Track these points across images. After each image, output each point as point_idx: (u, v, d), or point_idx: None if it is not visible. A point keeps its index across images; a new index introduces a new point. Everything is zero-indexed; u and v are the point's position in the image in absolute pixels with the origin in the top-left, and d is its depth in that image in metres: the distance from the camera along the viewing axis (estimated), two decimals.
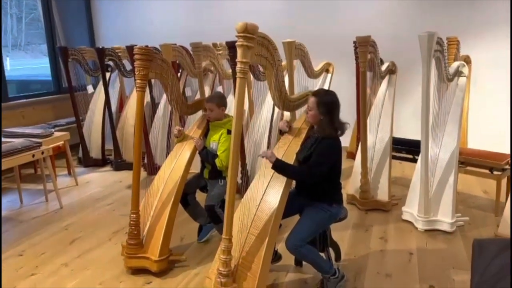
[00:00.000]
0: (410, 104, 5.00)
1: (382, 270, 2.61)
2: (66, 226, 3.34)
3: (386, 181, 3.60)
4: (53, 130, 4.22)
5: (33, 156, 3.46)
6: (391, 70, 3.90)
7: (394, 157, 4.04)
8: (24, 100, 5.09)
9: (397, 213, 3.44)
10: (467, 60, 4.30)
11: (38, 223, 3.42)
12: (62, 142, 4.22)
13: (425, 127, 3.03)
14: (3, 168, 3.18)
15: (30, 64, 8.74)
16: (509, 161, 3.39)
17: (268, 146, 3.93)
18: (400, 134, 4.38)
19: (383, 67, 3.86)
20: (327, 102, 2.27)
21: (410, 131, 4.44)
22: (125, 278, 2.56)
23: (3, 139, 3.92)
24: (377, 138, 3.78)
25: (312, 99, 2.30)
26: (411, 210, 3.27)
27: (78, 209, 3.69)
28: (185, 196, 2.85)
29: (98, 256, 2.85)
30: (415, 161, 3.67)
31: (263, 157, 2.26)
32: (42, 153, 3.53)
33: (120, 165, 4.85)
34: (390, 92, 3.88)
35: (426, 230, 3.12)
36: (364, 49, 3.32)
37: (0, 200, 2.88)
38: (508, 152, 3.52)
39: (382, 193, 3.58)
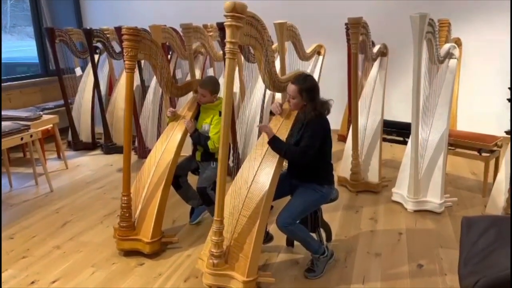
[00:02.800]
0: (401, 87, 5.01)
1: (372, 250, 2.65)
2: (57, 210, 3.33)
3: (376, 163, 3.63)
4: (41, 113, 4.15)
5: (22, 139, 3.42)
6: (383, 53, 3.89)
7: (384, 140, 4.07)
8: (11, 83, 4.99)
9: (387, 195, 3.48)
10: (458, 42, 4.30)
11: (28, 206, 3.40)
12: (51, 125, 4.16)
13: (416, 109, 3.05)
14: None
15: (16, 46, 8.55)
16: (497, 143, 3.43)
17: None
18: (391, 116, 4.41)
19: (375, 49, 3.84)
20: (308, 88, 2.27)
21: (401, 113, 4.47)
22: (118, 260, 2.57)
23: None
24: (368, 121, 3.79)
25: (292, 87, 2.29)
26: (401, 191, 3.31)
27: (69, 193, 3.67)
28: (177, 179, 2.85)
29: (90, 238, 2.85)
30: (405, 143, 3.70)
31: (261, 129, 2.27)
32: (31, 136, 3.49)
33: (110, 148, 4.82)
34: (381, 74, 3.88)
35: (415, 211, 3.17)
36: (356, 30, 3.30)
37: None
38: (496, 134, 3.57)
39: (373, 175, 3.62)
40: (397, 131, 4.32)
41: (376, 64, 3.94)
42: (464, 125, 4.62)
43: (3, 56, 7.45)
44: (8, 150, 3.83)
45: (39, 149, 3.68)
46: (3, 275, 2.42)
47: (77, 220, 3.13)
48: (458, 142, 3.54)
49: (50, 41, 4.60)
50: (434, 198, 3.16)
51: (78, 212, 3.28)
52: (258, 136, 3.63)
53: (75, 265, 2.52)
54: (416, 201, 3.18)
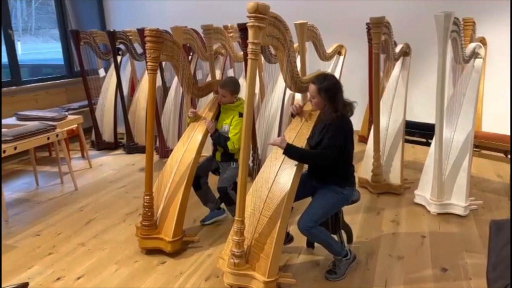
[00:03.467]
0: (424, 87, 4.92)
1: (394, 253, 2.62)
2: (81, 208, 3.41)
3: (398, 164, 3.58)
4: (66, 113, 4.26)
5: (48, 138, 3.51)
6: (405, 52, 3.83)
7: (406, 141, 4.01)
8: (37, 84, 5.13)
9: (409, 197, 3.43)
10: (483, 42, 4.19)
11: (54, 204, 3.49)
12: (76, 125, 4.26)
13: (440, 109, 2.99)
14: (19, 150, 3.23)
15: (41, 48, 8.80)
16: None
17: (280, 129, 3.92)
18: (413, 117, 4.34)
19: (397, 49, 3.79)
20: (328, 87, 2.24)
21: (424, 114, 4.40)
22: (140, 258, 2.61)
23: (18, 122, 3.98)
24: (390, 121, 3.74)
25: (312, 87, 2.28)
26: (424, 193, 3.25)
27: (93, 191, 3.75)
28: (198, 179, 2.87)
29: (113, 236, 2.91)
30: (428, 144, 3.63)
31: (273, 145, 2.26)
32: (57, 136, 3.58)
33: (132, 148, 4.90)
34: (403, 74, 3.82)
35: (439, 214, 3.11)
36: (378, 30, 3.26)
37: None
38: None
39: (394, 177, 3.56)
40: (419, 132, 4.25)
41: (398, 64, 3.89)
42: (490, 126, 4.50)
43: (29, 57, 7.69)
44: (35, 149, 3.94)
45: (65, 149, 3.77)
46: (29, 271, 2.49)
47: (101, 218, 3.20)
48: (483, 144, 3.46)
49: (75, 43, 4.71)
50: (458, 201, 3.09)
51: (101, 210, 3.35)
52: (279, 136, 3.64)
53: (99, 262, 2.58)
54: (440, 204, 3.11)
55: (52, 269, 2.51)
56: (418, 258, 2.56)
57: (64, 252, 2.70)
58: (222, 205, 3.06)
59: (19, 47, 4.90)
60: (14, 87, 4.81)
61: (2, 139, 3.17)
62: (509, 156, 3.36)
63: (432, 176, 3.12)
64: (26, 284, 1.21)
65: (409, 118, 4.00)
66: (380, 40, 3.32)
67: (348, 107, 2.28)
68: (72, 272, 2.47)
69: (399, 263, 2.50)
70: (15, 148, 3.18)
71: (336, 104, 2.24)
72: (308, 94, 2.35)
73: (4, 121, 4.07)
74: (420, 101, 4.87)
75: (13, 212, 3.32)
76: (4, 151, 3.08)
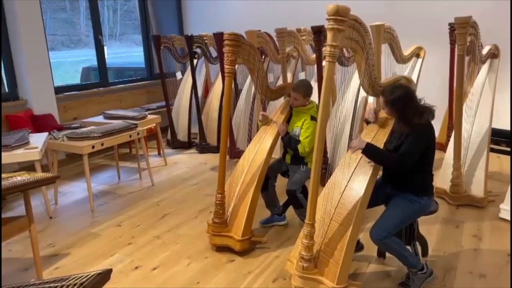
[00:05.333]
0: None
1: (475, 270, 2.43)
2: (158, 202, 3.61)
3: (482, 175, 3.31)
4: (146, 113, 4.55)
5: (130, 136, 3.77)
6: (493, 54, 3.54)
7: (492, 150, 3.70)
8: (122, 85, 5.55)
9: (493, 211, 3.16)
10: None
11: (133, 197, 3.74)
12: (154, 124, 4.53)
13: None
14: (105, 146, 3.51)
15: (124, 52, 9.52)
16: None
17: (351, 134, 3.82)
18: (501, 125, 3.99)
19: (484, 51, 3.51)
20: (395, 99, 2.15)
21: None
22: (210, 254, 2.70)
23: (104, 120, 4.34)
24: (473, 129, 3.48)
25: (381, 100, 2.24)
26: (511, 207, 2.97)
27: (168, 187, 3.96)
28: (266, 180, 2.90)
29: (186, 231, 3.05)
30: None
31: (353, 151, 2.22)
32: (138, 134, 3.84)
33: (204, 148, 5.09)
34: (490, 78, 3.53)
35: None
36: (464, 30, 3.04)
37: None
38: None
39: (477, 188, 3.30)
40: (506, 141, 3.90)
41: (485, 67, 3.60)
42: None
43: (114, 61, 8.34)
44: (118, 146, 4.26)
45: (144, 146, 4.03)
46: (111, 258, 2.70)
47: (175, 213, 3.37)
48: None
49: (156, 47, 5.02)
50: None
51: (175, 205, 3.52)
52: (349, 141, 3.55)
53: (173, 255, 2.71)
54: None
55: (131, 258, 2.69)
56: (502, 278, 2.34)
57: (141, 243, 2.89)
58: (287, 212, 3.06)
59: (105, 51, 5.34)
60: (102, 88, 5.25)
61: (91, 135, 3.46)
62: None
63: None
64: (110, 270, 1.31)
65: (496, 125, 3.69)
66: (465, 42, 3.10)
67: (427, 115, 2.15)
68: (149, 263, 2.63)
69: (480, 282, 2.31)
70: (102, 144, 3.46)
71: (407, 115, 2.14)
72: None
73: (92, 119, 4.45)
74: (508, 107, 4.46)
75: (98, 203, 3.61)
76: (93, 147, 3.36)
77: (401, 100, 2.15)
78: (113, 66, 7.10)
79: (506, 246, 2.69)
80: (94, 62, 5.37)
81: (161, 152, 4.80)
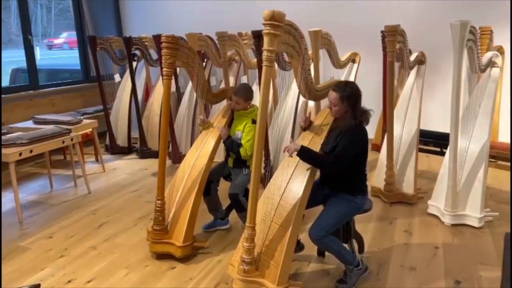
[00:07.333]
0: (439, 96, 4.85)
1: (406, 263, 2.57)
2: (94, 211, 3.44)
3: (412, 174, 3.53)
4: (82, 117, 4.32)
5: (63, 142, 3.56)
6: (420, 61, 3.80)
7: (421, 150, 3.96)
8: (54, 88, 5.23)
9: (422, 207, 3.37)
10: (501, 50, 4.12)
11: (67, 207, 3.53)
12: (90, 129, 4.32)
13: (455, 119, 2.95)
14: (34, 153, 3.28)
15: (59, 54, 9.00)
16: None
17: (292, 136, 3.91)
18: (428, 126, 4.28)
19: (412, 57, 3.76)
20: (350, 95, 2.23)
21: (438, 123, 4.34)
22: (150, 263, 2.62)
23: (34, 125, 4.06)
24: (404, 130, 3.70)
25: (334, 95, 2.25)
26: (438, 204, 3.20)
27: (105, 195, 3.79)
28: (208, 184, 2.87)
29: (124, 240, 2.93)
30: (442, 154, 3.59)
31: (290, 154, 2.22)
32: (72, 139, 3.63)
33: (145, 153, 4.94)
34: (418, 83, 3.79)
35: (453, 225, 3.05)
36: (393, 38, 3.24)
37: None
38: None
39: (408, 186, 3.52)
40: (434, 141, 4.20)
41: (413, 72, 3.86)
42: (506, 137, 4.42)
43: (46, 62, 7.85)
44: (50, 153, 4.01)
45: (79, 152, 3.83)
46: (41, 273, 2.52)
47: (113, 222, 3.22)
48: (500, 154, 3.40)
49: (92, 48, 4.79)
50: (473, 212, 3.03)
51: (113, 214, 3.38)
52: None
53: (110, 266, 2.59)
54: (454, 215, 3.06)
55: (64, 272, 2.53)
56: (430, 269, 2.51)
57: (75, 255, 2.73)
58: (230, 216, 3.06)
59: (37, 53, 5.00)
60: (31, 91, 4.91)
61: (19, 142, 3.23)
62: None
63: (447, 186, 3.07)
64: (38, 285, 1.22)
65: (424, 127, 3.96)
66: (394, 48, 3.30)
67: (365, 115, 2.26)
68: (83, 275, 2.49)
69: (411, 275, 2.46)
70: (31, 151, 3.23)
71: (357, 111, 2.23)
72: (329, 102, 2.33)
73: (21, 124, 4.14)
74: (435, 110, 4.81)
75: (27, 214, 3.37)
76: (20, 154, 3.13)
77: (356, 94, 2.24)
78: (46, 67, 6.68)
79: (434, 239, 2.88)
80: (24, 63, 5.01)
81: (99, 158, 4.59)
